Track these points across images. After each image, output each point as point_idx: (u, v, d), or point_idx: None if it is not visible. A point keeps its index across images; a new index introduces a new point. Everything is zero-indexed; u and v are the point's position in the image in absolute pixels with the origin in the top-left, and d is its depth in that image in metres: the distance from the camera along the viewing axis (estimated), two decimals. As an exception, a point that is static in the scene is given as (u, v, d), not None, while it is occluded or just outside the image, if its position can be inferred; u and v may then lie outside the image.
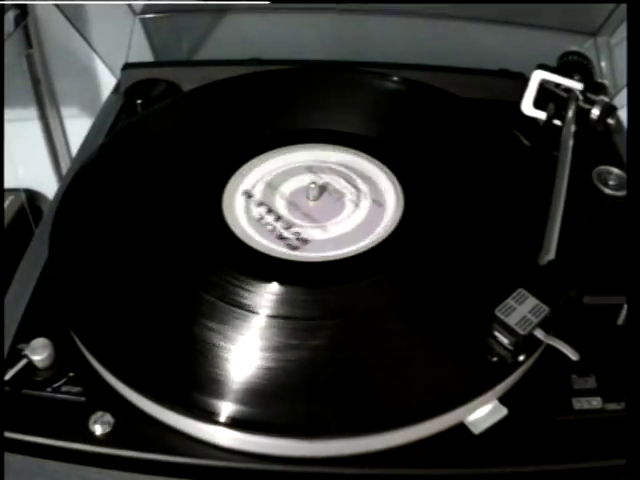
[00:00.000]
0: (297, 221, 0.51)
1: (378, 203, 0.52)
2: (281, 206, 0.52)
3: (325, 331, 0.43)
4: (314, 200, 0.53)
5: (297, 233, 0.50)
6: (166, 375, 0.41)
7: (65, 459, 0.40)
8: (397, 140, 0.58)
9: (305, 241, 0.49)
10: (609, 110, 0.57)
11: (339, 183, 0.54)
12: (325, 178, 0.55)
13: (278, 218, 0.51)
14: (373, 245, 0.49)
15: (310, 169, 0.56)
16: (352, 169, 0.56)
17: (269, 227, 0.50)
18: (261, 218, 0.51)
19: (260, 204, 0.53)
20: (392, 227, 0.50)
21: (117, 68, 0.73)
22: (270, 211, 0.52)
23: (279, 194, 0.54)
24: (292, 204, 0.53)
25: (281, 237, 0.50)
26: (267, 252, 0.48)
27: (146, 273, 0.48)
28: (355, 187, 0.54)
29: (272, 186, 0.54)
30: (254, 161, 0.56)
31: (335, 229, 0.51)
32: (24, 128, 0.82)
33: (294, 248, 0.49)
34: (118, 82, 0.73)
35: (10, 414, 0.41)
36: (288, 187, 0.54)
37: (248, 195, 0.53)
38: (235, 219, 0.51)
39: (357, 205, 0.52)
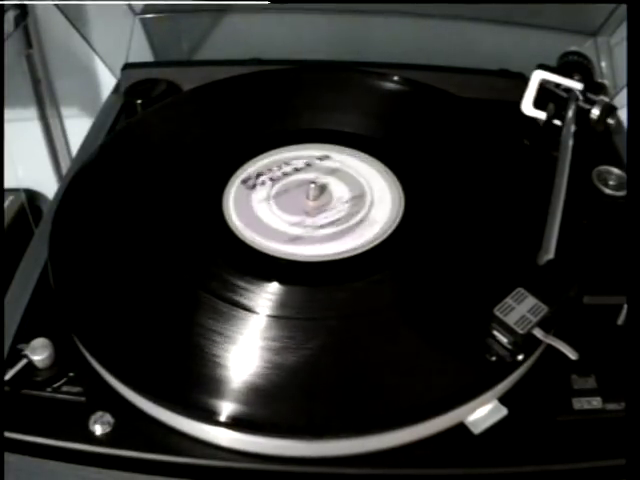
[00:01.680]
0: (297, 220, 0.51)
1: (378, 202, 0.52)
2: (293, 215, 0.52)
3: (325, 331, 0.43)
4: (314, 200, 0.53)
5: (295, 233, 0.50)
6: (166, 375, 0.41)
7: (65, 459, 0.40)
8: (397, 140, 0.58)
9: (305, 239, 0.50)
10: (609, 110, 0.57)
11: (339, 183, 0.54)
12: (325, 178, 0.55)
13: (302, 226, 0.51)
14: (373, 245, 0.49)
15: (287, 174, 0.56)
16: (352, 169, 0.56)
17: (302, 236, 0.51)
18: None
19: (260, 202, 0.53)
20: (392, 227, 0.50)
21: (117, 68, 0.73)
22: (291, 224, 0.52)
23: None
24: (302, 209, 0.53)
25: (282, 234, 0.50)
26: (267, 252, 0.48)
27: (146, 273, 0.48)
28: (355, 186, 0.54)
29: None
30: (253, 161, 0.56)
31: (336, 228, 0.51)
32: (24, 128, 0.82)
33: (293, 241, 0.49)
34: (118, 82, 0.73)
35: (10, 414, 0.41)
36: (288, 187, 0.54)
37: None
38: (236, 220, 0.51)
39: (357, 204, 0.52)
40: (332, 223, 0.51)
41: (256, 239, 0.50)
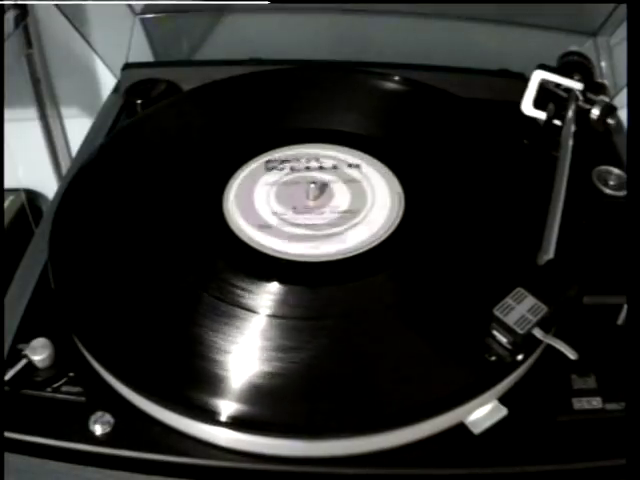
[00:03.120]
0: (298, 220, 0.51)
1: (378, 201, 0.53)
2: (282, 207, 0.53)
3: (325, 331, 0.43)
4: (314, 199, 0.53)
5: (298, 232, 0.50)
6: (166, 375, 0.41)
7: (65, 459, 0.40)
8: (397, 140, 0.58)
9: (272, 229, 0.50)
10: (609, 110, 0.57)
11: (339, 183, 0.54)
12: (325, 177, 0.55)
13: (280, 219, 0.51)
14: (373, 245, 0.49)
15: (309, 169, 0.56)
16: (352, 169, 0.56)
17: (272, 228, 0.51)
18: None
19: (264, 184, 0.53)
20: (392, 227, 0.50)
21: (117, 68, 0.73)
22: (273, 213, 0.52)
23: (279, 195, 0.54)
24: (292, 203, 0.53)
25: (256, 218, 0.51)
26: (268, 252, 0.48)
27: (146, 273, 0.48)
28: (355, 186, 0.54)
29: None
30: (254, 161, 0.56)
31: (337, 228, 0.51)
32: (24, 128, 0.82)
33: (294, 239, 0.49)
34: (118, 82, 0.73)
35: (10, 414, 0.41)
36: (287, 187, 0.54)
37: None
38: (236, 220, 0.51)
39: (357, 203, 0.52)
40: (307, 226, 0.51)
41: (235, 216, 0.50)
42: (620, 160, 0.58)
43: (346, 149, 0.57)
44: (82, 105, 0.87)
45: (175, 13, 0.78)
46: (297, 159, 0.56)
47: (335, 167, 0.56)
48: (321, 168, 0.56)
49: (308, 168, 0.56)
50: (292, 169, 0.55)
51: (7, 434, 0.41)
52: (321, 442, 0.39)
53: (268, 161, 0.56)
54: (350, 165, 0.56)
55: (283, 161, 0.56)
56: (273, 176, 0.55)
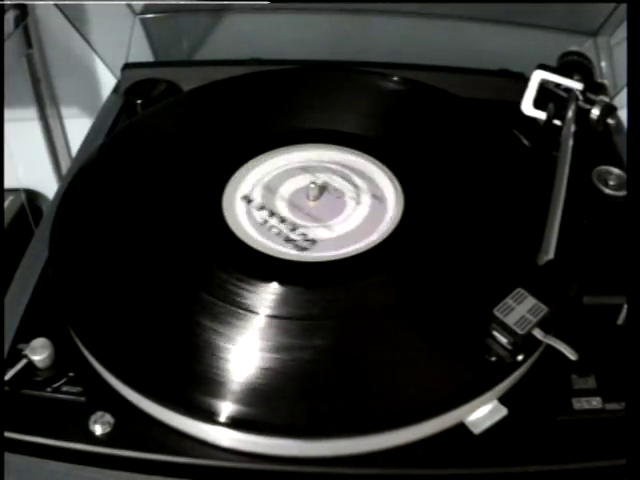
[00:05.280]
0: (301, 222, 0.51)
1: (379, 200, 0.53)
2: (283, 208, 0.52)
3: (325, 331, 0.43)
4: (314, 200, 0.53)
5: (304, 234, 0.50)
6: (166, 375, 0.41)
7: (65, 459, 0.40)
8: (397, 140, 0.58)
9: (313, 241, 0.49)
10: (609, 110, 0.57)
11: (339, 182, 0.54)
12: (324, 178, 0.55)
13: (282, 220, 0.51)
14: (373, 245, 0.49)
15: (309, 169, 0.56)
16: (352, 169, 0.56)
17: (274, 230, 0.50)
18: (265, 222, 0.51)
19: (261, 208, 0.52)
20: (392, 227, 0.50)
21: (117, 68, 0.73)
22: (272, 214, 0.52)
23: (279, 196, 0.53)
24: (293, 205, 0.53)
25: (288, 239, 0.50)
26: (268, 252, 0.48)
27: (146, 273, 0.48)
28: (354, 186, 0.54)
29: (271, 189, 0.54)
30: (253, 161, 0.56)
31: (339, 227, 0.51)
32: (24, 128, 0.82)
33: (303, 249, 0.49)
34: (118, 82, 0.73)
35: (10, 414, 0.41)
36: (287, 189, 0.54)
37: (248, 200, 0.53)
38: (236, 220, 0.51)
39: (358, 203, 0.53)
40: (334, 222, 0.51)
41: (259, 240, 0.49)
42: (620, 160, 0.58)
43: (346, 149, 0.57)
44: (82, 105, 0.87)
45: (175, 13, 0.78)
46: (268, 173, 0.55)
47: (304, 167, 0.56)
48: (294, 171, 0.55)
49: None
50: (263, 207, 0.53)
51: (7, 434, 0.41)
52: (321, 442, 0.39)
53: (245, 198, 0.53)
54: (318, 160, 0.56)
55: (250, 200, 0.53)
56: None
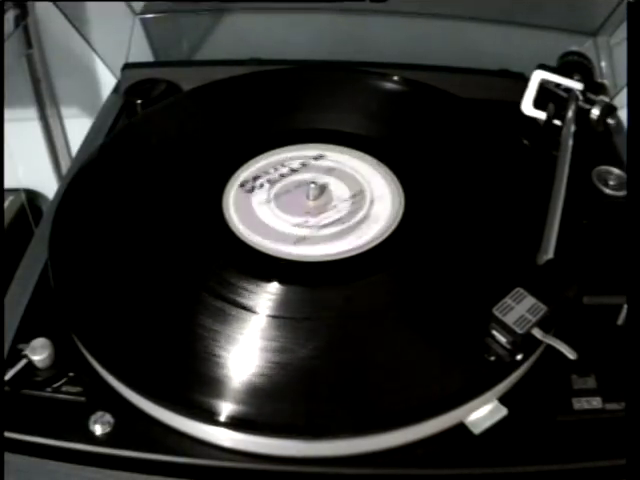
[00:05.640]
0: (300, 221, 0.51)
1: (379, 199, 0.53)
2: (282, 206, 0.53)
3: (325, 331, 0.43)
4: (314, 200, 0.53)
5: (300, 234, 0.50)
6: (166, 375, 0.41)
7: (65, 459, 0.40)
8: (397, 140, 0.58)
9: (307, 239, 0.50)
10: (609, 110, 0.57)
11: (339, 182, 0.54)
12: (325, 178, 0.55)
13: (281, 219, 0.51)
14: (373, 245, 0.49)
15: (309, 169, 0.56)
16: (351, 169, 0.56)
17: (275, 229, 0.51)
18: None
19: (260, 204, 0.53)
20: (392, 227, 0.50)
21: (117, 68, 0.73)
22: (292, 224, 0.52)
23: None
24: (292, 204, 0.53)
25: (285, 235, 0.50)
26: (268, 252, 0.48)
27: (146, 273, 0.48)
28: (354, 185, 0.54)
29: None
30: (253, 161, 0.56)
31: (340, 227, 0.51)
32: (24, 128, 0.82)
33: (297, 242, 0.49)
34: (118, 82, 0.73)
35: (10, 414, 0.41)
36: (287, 188, 0.54)
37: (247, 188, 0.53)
38: (236, 220, 0.51)
39: (358, 202, 0.53)
40: (335, 222, 0.51)
41: (263, 243, 0.49)
42: (620, 160, 0.58)
43: (346, 149, 0.57)
44: (82, 105, 0.87)
45: (175, 13, 0.78)
46: (266, 172, 0.55)
47: (304, 164, 0.56)
48: (293, 170, 0.55)
49: (283, 175, 0.55)
50: (270, 181, 0.54)
51: (7, 434, 0.41)
52: (321, 442, 0.39)
53: (241, 184, 0.54)
54: (315, 158, 0.56)
55: (255, 177, 0.54)
56: (260, 195, 0.53)
